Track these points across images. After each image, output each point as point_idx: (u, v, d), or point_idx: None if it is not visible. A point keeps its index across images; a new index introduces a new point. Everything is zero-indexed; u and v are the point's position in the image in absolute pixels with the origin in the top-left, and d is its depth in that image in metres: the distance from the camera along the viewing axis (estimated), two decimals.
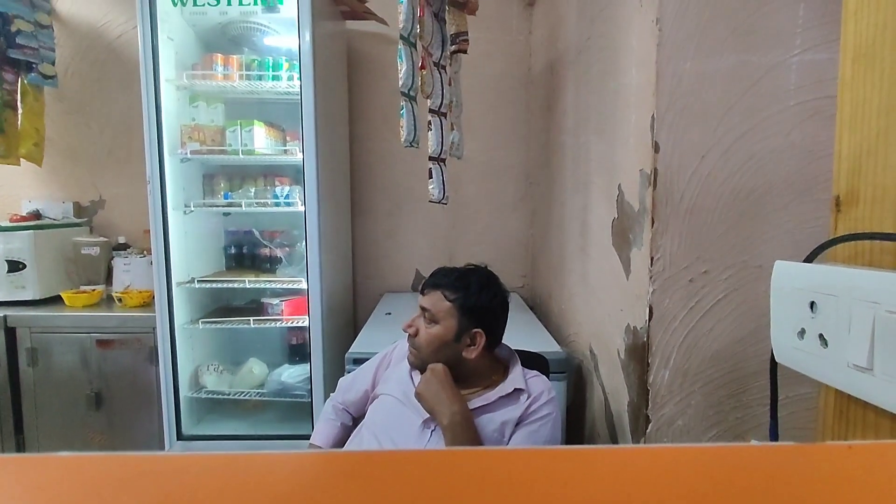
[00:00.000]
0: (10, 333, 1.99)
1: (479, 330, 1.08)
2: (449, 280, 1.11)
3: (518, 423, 1.06)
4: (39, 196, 2.40)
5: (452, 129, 1.67)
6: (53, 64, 2.18)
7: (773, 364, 0.59)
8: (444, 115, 1.55)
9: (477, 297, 1.09)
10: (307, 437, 1.88)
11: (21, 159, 2.12)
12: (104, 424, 2.02)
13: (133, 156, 2.33)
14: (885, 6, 0.46)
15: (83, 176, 2.41)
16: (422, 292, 1.13)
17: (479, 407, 1.06)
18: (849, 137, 0.50)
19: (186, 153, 1.90)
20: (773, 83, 0.98)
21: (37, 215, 2.32)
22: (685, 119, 1.00)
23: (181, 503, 0.22)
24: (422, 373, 1.09)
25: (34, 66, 2.09)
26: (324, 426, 1.26)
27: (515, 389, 1.07)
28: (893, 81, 0.45)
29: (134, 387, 2.00)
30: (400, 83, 1.37)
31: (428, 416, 1.05)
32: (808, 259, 0.53)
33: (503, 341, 1.18)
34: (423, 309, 1.10)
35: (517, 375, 1.11)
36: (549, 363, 1.31)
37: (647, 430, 1.07)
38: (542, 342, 1.62)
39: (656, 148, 1.00)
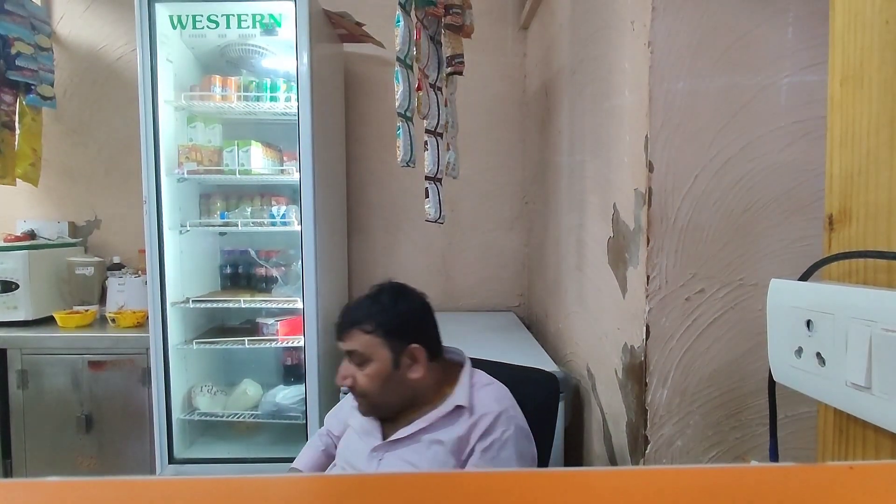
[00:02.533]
0: (1, 355, 1.96)
1: (415, 345, 1.01)
2: (360, 312, 1.03)
3: (471, 446, 0.98)
4: (35, 216, 2.40)
5: (448, 149, 1.69)
6: (52, 85, 2.19)
7: (771, 383, 0.59)
8: (441, 135, 1.56)
9: (395, 312, 1.02)
10: None
11: (17, 179, 2.12)
12: (94, 447, 1.98)
13: (130, 176, 2.34)
14: (871, 28, 0.47)
15: (79, 196, 2.41)
16: (339, 339, 1.05)
17: (421, 429, 1.00)
18: (840, 157, 0.50)
19: (183, 173, 1.91)
20: (763, 104, 0.99)
21: (31, 235, 2.31)
22: (678, 139, 1.01)
23: None
24: (380, 417, 1.04)
25: (33, 87, 2.10)
26: (307, 451, 1.23)
27: (456, 407, 1.00)
28: (881, 101, 0.46)
29: (125, 409, 1.97)
30: (396, 104, 1.38)
31: (376, 443, 1.02)
32: (804, 277, 0.53)
33: (448, 344, 1.11)
34: (349, 353, 1.03)
35: (462, 388, 1.03)
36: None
37: (647, 451, 1.06)
38: (538, 362, 1.61)
39: (650, 167, 1.01)
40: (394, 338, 1.00)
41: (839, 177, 0.50)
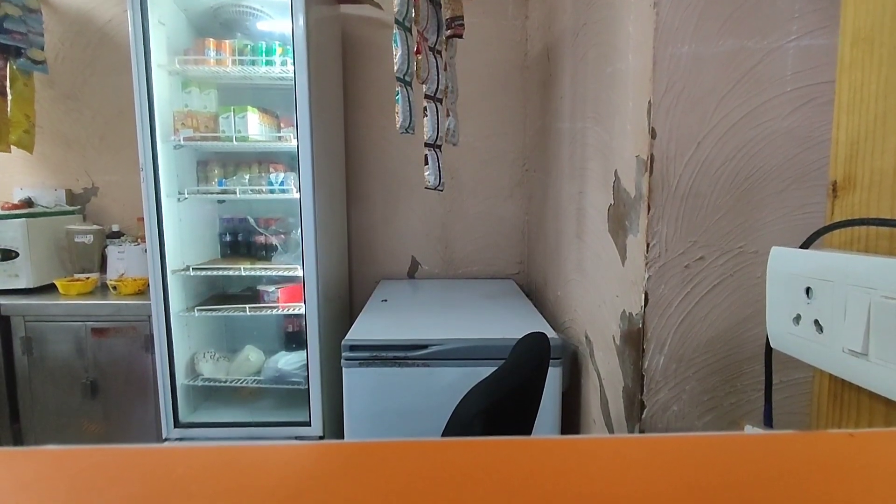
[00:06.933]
0: (5, 322, 1.98)
1: None
2: None
3: None
4: (31, 184, 2.38)
5: (448, 115, 1.66)
6: (43, 49, 2.14)
7: (768, 350, 0.60)
8: (440, 100, 1.53)
9: None
10: (305, 424, 1.91)
11: (12, 146, 2.10)
12: (100, 413, 2.02)
13: (125, 142, 2.31)
14: None
15: (75, 163, 2.39)
16: None
17: None
18: (847, 122, 0.49)
19: (179, 140, 1.88)
20: (769, 69, 0.97)
21: (29, 203, 2.30)
22: (682, 104, 0.99)
23: (171, 497, 0.22)
24: None
25: (23, 51, 2.05)
26: None
27: None
28: (893, 65, 0.45)
29: (130, 375, 2.00)
30: (395, 68, 1.35)
31: None
32: (805, 245, 0.53)
33: None
34: None
35: None
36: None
37: (643, 416, 1.08)
38: (537, 328, 1.63)
39: (653, 134, 1.00)
40: None
41: (845, 143, 0.50)
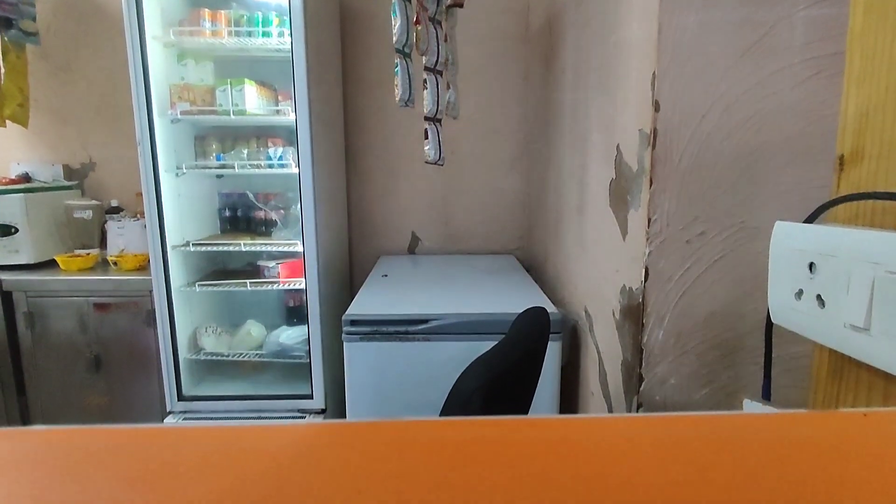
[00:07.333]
0: (7, 297, 1.99)
1: None
2: None
3: None
4: (28, 159, 2.36)
5: (448, 87, 1.63)
6: (34, 20, 2.10)
7: (769, 325, 0.60)
8: (440, 72, 1.50)
9: None
10: (306, 397, 1.93)
11: (7, 121, 2.07)
12: (105, 386, 2.05)
13: (121, 116, 2.28)
14: None
15: (71, 137, 2.36)
16: None
17: None
18: (856, 93, 0.48)
19: (176, 114, 1.86)
20: (777, 39, 0.95)
21: (26, 178, 2.28)
22: (687, 76, 0.97)
23: (162, 477, 0.21)
24: None
25: (14, 22, 2.01)
26: None
27: None
28: None
29: (133, 349, 2.02)
30: (394, 39, 1.32)
31: None
32: (809, 219, 0.53)
33: None
34: None
35: None
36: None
37: (640, 389, 1.09)
38: (537, 303, 1.63)
39: (657, 107, 0.98)
40: None
41: (854, 115, 0.48)
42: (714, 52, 0.96)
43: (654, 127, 0.99)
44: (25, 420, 2.05)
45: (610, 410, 1.29)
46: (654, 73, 0.98)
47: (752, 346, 1.04)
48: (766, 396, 0.65)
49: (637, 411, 1.11)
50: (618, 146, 1.20)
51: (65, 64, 2.31)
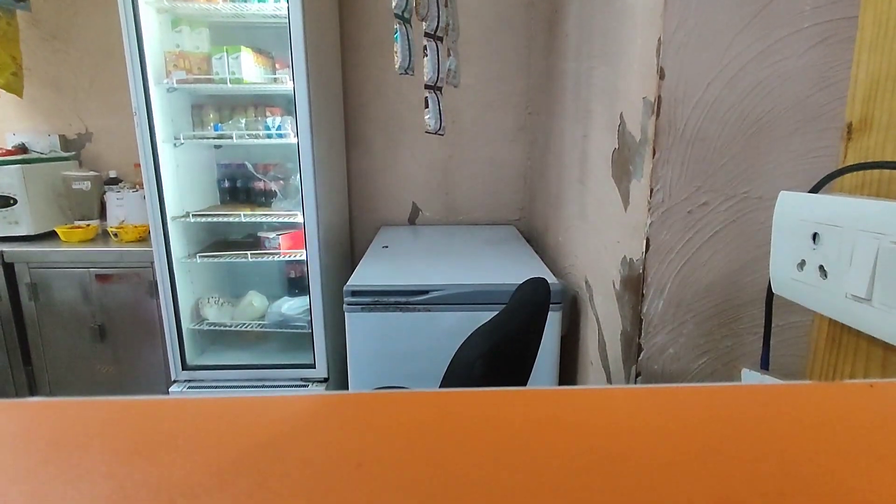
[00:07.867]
0: (9, 269, 1.99)
1: None
2: None
3: None
4: (23, 129, 2.33)
5: (449, 55, 1.60)
6: None
7: (770, 295, 0.60)
8: (441, 39, 1.47)
9: None
10: (309, 367, 1.96)
11: (1, 90, 2.04)
12: (110, 356, 2.07)
13: (117, 86, 2.25)
14: None
15: (66, 107, 2.33)
16: None
17: None
18: (868, 60, 0.47)
19: (172, 83, 1.83)
20: (786, 3, 0.92)
21: (23, 149, 2.26)
22: (693, 42, 0.95)
23: (160, 449, 0.22)
24: None
25: None
26: None
27: None
28: None
29: (137, 319, 2.04)
30: (393, 4, 1.29)
31: None
32: (814, 189, 0.52)
33: None
34: None
35: None
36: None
37: (639, 358, 1.10)
38: (538, 274, 1.64)
39: (661, 74, 0.96)
40: None
41: (865, 82, 0.47)
42: (722, 18, 0.94)
43: (659, 95, 0.97)
44: (32, 389, 2.08)
45: (609, 380, 1.31)
46: (659, 39, 0.96)
47: (751, 315, 1.05)
48: (765, 366, 0.65)
49: (635, 380, 1.12)
50: (621, 115, 1.18)
51: (56, 31, 2.26)
